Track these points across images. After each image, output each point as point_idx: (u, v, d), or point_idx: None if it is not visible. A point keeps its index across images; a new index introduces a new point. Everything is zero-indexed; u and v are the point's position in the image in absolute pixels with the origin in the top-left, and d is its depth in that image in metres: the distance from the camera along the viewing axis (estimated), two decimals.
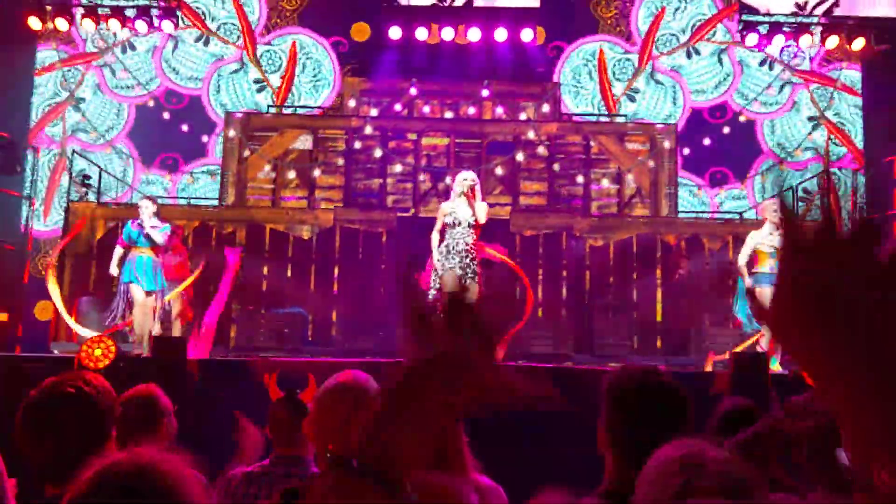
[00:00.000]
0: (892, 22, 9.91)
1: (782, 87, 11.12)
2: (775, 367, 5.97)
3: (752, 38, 10.40)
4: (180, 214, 9.18)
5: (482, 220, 5.88)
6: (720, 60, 11.23)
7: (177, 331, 7.09)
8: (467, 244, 5.83)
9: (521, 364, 6.22)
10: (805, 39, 10.23)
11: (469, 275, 5.79)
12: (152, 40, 10.64)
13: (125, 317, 6.79)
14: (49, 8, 9.64)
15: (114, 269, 6.84)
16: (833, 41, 10.26)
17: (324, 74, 11.06)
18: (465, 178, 5.98)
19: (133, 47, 10.71)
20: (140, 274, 6.58)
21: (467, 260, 5.81)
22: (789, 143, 11.03)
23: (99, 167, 9.63)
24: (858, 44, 10.09)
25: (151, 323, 6.65)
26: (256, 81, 10.93)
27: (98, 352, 5.37)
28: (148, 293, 6.62)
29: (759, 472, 1.22)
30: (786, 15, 10.51)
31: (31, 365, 5.37)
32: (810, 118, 11.05)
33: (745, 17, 10.55)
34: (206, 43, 10.95)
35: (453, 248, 5.84)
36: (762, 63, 11.13)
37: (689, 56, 11.24)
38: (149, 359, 5.78)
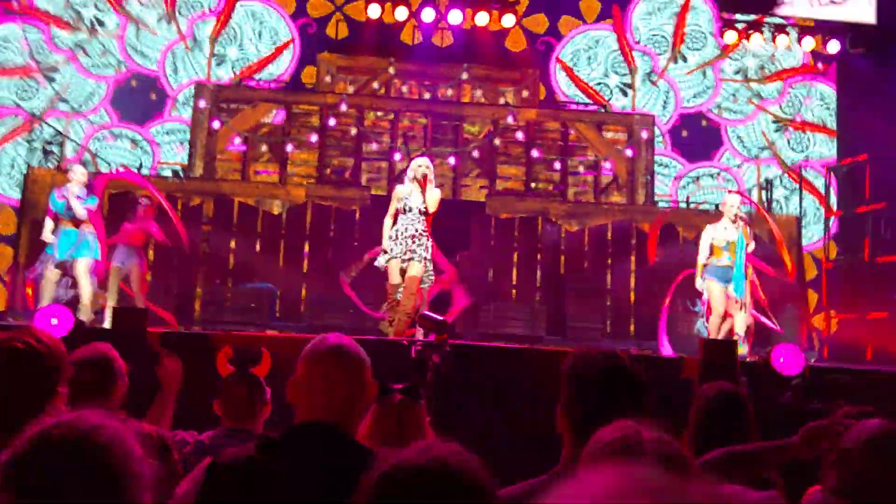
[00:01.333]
0: (867, 27, 10.00)
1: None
2: (742, 350, 5.98)
3: (730, 36, 10.44)
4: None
5: (431, 208, 5.73)
6: (704, 73, 11.28)
7: (139, 302, 6.86)
8: (416, 230, 5.73)
9: (493, 344, 6.13)
10: (781, 39, 10.31)
11: (414, 258, 5.67)
12: (115, 20, 10.31)
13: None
14: None
15: (47, 237, 6.49)
16: (809, 43, 10.34)
17: (282, 40, 10.79)
18: (420, 165, 5.85)
19: (101, 23, 10.36)
20: (63, 246, 6.32)
21: (413, 245, 5.70)
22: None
23: (63, 134, 9.31)
24: (834, 46, 10.19)
25: (54, 292, 6.38)
26: (216, 55, 10.66)
27: (54, 321, 5.16)
28: (59, 264, 6.34)
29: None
30: (764, 14, 10.55)
31: None
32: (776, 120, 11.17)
33: (723, 16, 10.59)
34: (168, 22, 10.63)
35: (402, 233, 5.74)
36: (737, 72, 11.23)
37: (675, 61, 11.25)
38: (108, 330, 5.57)
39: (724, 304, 6.46)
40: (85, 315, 6.24)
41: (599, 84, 11.18)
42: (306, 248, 8.87)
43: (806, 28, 10.40)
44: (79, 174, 6.44)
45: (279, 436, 1.57)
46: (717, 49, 11.17)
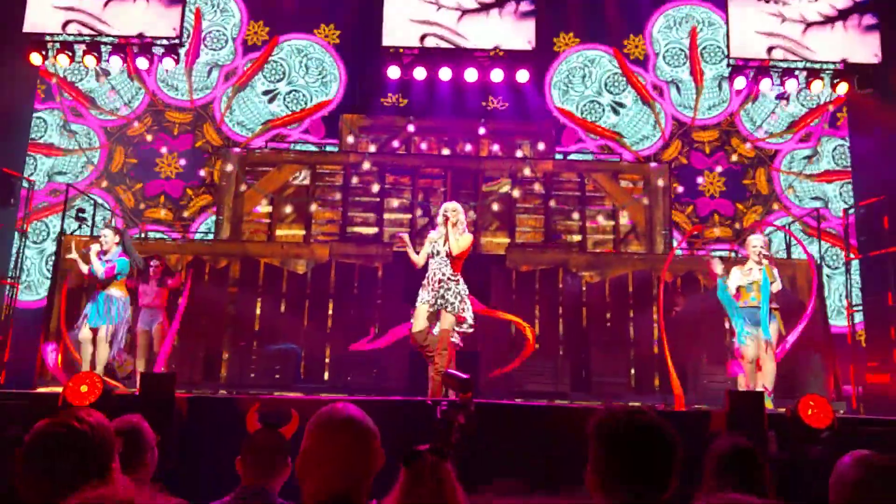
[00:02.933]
0: (875, 67, 10.10)
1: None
2: (768, 404, 5.90)
3: (739, 82, 10.59)
4: (174, 248, 9.15)
5: (454, 251, 5.74)
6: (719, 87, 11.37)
7: (157, 360, 7.00)
8: (444, 274, 5.76)
9: (518, 403, 6.12)
10: (791, 84, 10.43)
11: (444, 305, 5.68)
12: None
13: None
14: (51, 44, 9.75)
15: (86, 265, 6.65)
16: (817, 85, 10.45)
17: (328, 70, 11.13)
18: (445, 209, 5.95)
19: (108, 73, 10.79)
20: (92, 311, 6.50)
21: (441, 290, 5.73)
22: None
23: (93, 199, 9.62)
24: (843, 88, 10.28)
25: (92, 357, 6.52)
26: (265, 93, 11.05)
27: (84, 388, 5.27)
28: (92, 329, 6.50)
29: None
30: (772, 60, 10.72)
31: (15, 402, 5.26)
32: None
33: (731, 62, 10.76)
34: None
35: (431, 278, 5.78)
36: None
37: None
38: (136, 395, 5.67)
39: (757, 350, 6.40)
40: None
41: (592, 101, 11.32)
42: (330, 306, 8.96)
43: (813, 71, 10.52)
44: (108, 237, 6.64)
45: None
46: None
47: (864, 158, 10.67)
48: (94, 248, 6.55)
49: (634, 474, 1.46)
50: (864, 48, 10.60)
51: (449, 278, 5.73)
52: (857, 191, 10.72)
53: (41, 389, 6.95)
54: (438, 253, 5.83)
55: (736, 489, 2.19)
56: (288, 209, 10.40)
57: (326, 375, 8.49)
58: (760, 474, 2.43)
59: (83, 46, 10.13)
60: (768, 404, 5.88)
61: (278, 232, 10.37)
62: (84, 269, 6.69)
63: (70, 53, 10.04)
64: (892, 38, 9.86)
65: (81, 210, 9.31)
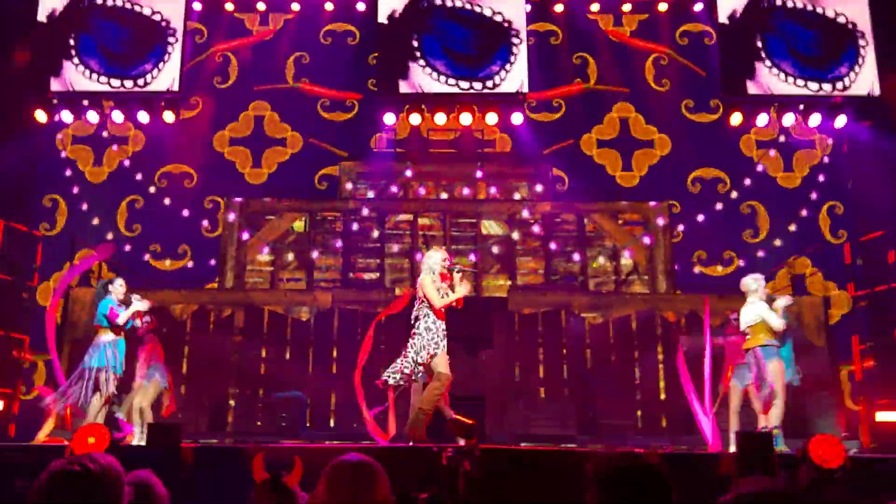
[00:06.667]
0: (872, 100, 10.21)
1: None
2: (780, 447, 5.85)
3: (735, 118, 10.69)
4: (178, 298, 9.19)
5: (420, 293, 5.80)
6: None
7: (148, 418, 6.97)
8: (417, 318, 5.78)
9: (524, 448, 6.08)
10: (788, 118, 10.52)
11: (416, 352, 5.71)
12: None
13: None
14: (55, 101, 9.90)
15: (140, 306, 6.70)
16: (815, 119, 10.55)
17: None
18: (427, 256, 6.06)
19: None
20: (118, 359, 6.50)
21: (420, 338, 5.74)
22: None
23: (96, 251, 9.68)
24: (841, 121, 10.39)
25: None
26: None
27: (91, 440, 5.26)
28: (117, 377, 6.51)
29: None
30: (767, 95, 10.83)
31: (20, 455, 5.24)
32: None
33: (728, 98, 10.82)
34: None
35: (420, 326, 5.79)
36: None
37: None
38: (143, 446, 5.65)
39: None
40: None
41: None
42: (335, 353, 8.97)
43: (810, 105, 10.58)
44: (117, 287, 6.66)
45: None
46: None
47: (863, 192, 10.71)
48: (134, 298, 6.61)
49: None
50: (861, 81, 10.70)
51: (421, 324, 5.80)
52: (857, 225, 10.76)
53: (47, 441, 6.90)
54: (423, 301, 5.87)
55: None
56: (290, 256, 10.47)
57: (332, 422, 8.44)
58: None
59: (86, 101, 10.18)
60: (782, 447, 5.84)
61: (280, 279, 10.42)
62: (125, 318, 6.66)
63: (74, 109, 10.13)
64: (889, 70, 9.98)
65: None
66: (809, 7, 9.80)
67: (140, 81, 9.47)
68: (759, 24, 9.71)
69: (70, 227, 10.58)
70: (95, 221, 10.71)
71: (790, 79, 9.71)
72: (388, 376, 5.85)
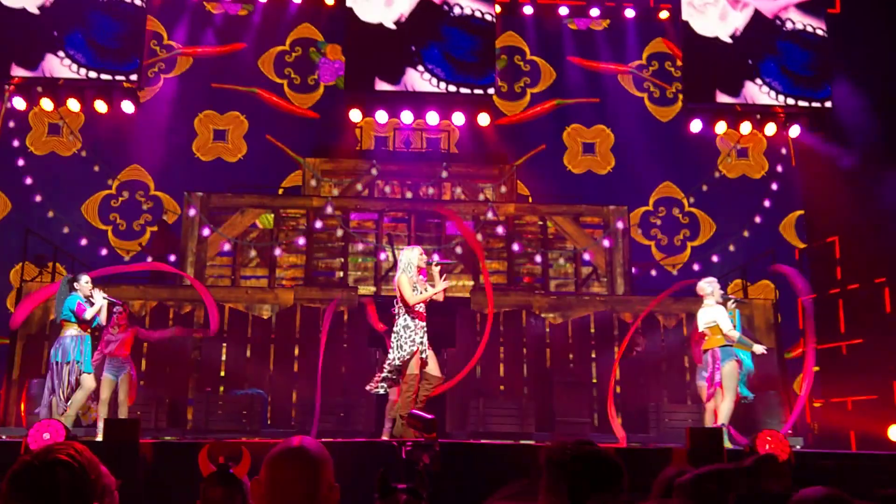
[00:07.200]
0: (824, 110, 10.58)
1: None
2: (727, 444, 6.05)
3: (695, 125, 10.98)
4: (137, 294, 9.07)
5: (408, 301, 5.79)
6: None
7: (123, 413, 6.88)
8: (395, 317, 5.84)
9: (482, 442, 6.18)
10: (745, 126, 10.84)
11: (393, 351, 5.75)
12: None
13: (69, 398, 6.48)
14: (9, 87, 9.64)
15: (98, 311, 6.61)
16: (771, 128, 10.89)
17: None
18: (403, 252, 6.08)
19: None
20: (84, 355, 6.41)
21: (392, 339, 5.80)
22: None
23: (54, 245, 9.49)
24: (795, 131, 10.75)
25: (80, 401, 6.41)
26: None
27: (47, 435, 5.19)
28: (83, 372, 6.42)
29: None
30: (725, 104, 11.13)
31: None
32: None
33: (689, 105, 11.08)
34: None
35: (423, 327, 5.84)
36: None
37: None
38: (100, 442, 5.59)
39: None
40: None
41: None
42: (296, 351, 8.95)
43: (767, 114, 10.90)
44: (83, 283, 6.57)
45: None
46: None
47: (814, 199, 11.08)
48: (97, 293, 6.52)
49: (585, 498, 1.59)
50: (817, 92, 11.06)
51: (399, 323, 5.81)
52: (809, 231, 11.15)
53: (3, 437, 6.78)
54: (398, 300, 5.91)
55: None
56: (252, 253, 10.41)
57: (293, 420, 8.43)
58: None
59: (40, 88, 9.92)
60: (728, 444, 6.03)
61: (242, 276, 10.35)
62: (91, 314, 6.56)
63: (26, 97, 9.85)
64: (842, 81, 10.34)
65: (41, 256, 9.19)
66: (809, 28, 10.14)
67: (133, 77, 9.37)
68: (759, 43, 10.03)
69: (22, 214, 10.38)
70: (50, 214, 10.52)
71: (780, 97, 10.05)
72: (379, 387, 5.85)
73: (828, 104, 10.02)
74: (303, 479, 1.66)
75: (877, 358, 8.55)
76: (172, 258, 10.06)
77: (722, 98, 10.11)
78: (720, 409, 6.43)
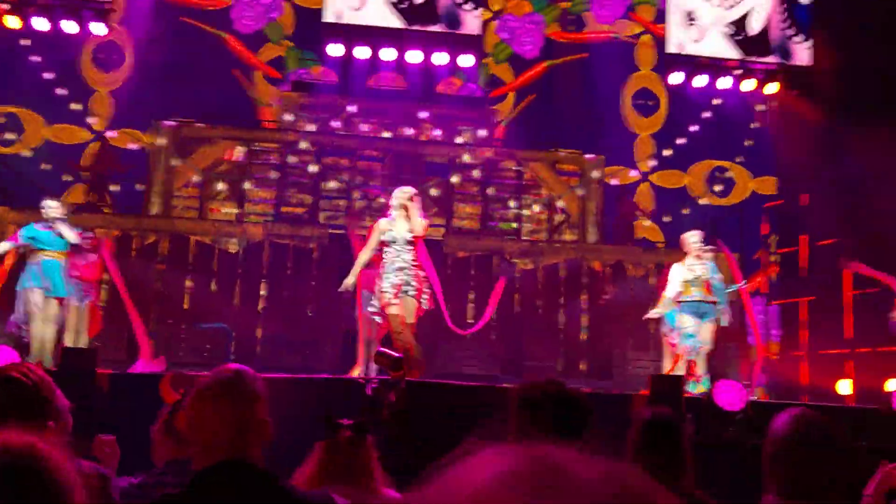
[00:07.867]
0: (803, 69, 10.51)
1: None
2: (697, 390, 6.15)
3: (675, 77, 10.84)
4: (100, 222, 8.83)
5: (419, 232, 5.68)
6: None
7: (84, 342, 6.75)
8: (405, 261, 5.73)
9: (449, 382, 6.21)
10: (724, 81, 10.74)
11: (408, 290, 5.67)
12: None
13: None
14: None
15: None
16: (750, 84, 10.81)
17: None
18: (404, 192, 5.85)
19: None
20: (48, 279, 6.22)
21: (403, 276, 5.71)
22: None
23: (13, 170, 9.17)
24: (773, 87, 10.69)
25: (53, 333, 6.26)
26: None
27: None
28: (58, 300, 6.26)
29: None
30: (705, 57, 11.00)
31: None
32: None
33: (667, 56, 10.94)
34: None
35: (390, 266, 5.73)
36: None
37: None
38: (55, 371, 5.48)
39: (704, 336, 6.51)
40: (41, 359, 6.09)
41: None
42: (263, 287, 8.84)
43: (747, 71, 10.81)
44: (55, 204, 6.33)
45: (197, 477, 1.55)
46: None
47: (786, 157, 11.11)
48: (57, 219, 6.29)
49: (556, 437, 1.55)
50: (796, 50, 10.96)
51: (410, 264, 5.68)
52: (782, 191, 11.19)
53: None
54: (395, 241, 5.71)
55: (658, 466, 2.20)
56: (221, 186, 10.17)
57: (258, 355, 8.38)
58: (681, 447, 2.46)
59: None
60: (698, 390, 6.13)
61: (210, 209, 10.12)
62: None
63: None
64: (823, 41, 10.24)
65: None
66: None
67: None
68: None
69: None
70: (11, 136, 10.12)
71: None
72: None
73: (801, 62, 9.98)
74: (232, 414, 1.56)
75: (833, 315, 8.80)
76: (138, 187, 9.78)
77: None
78: (678, 362, 6.55)
